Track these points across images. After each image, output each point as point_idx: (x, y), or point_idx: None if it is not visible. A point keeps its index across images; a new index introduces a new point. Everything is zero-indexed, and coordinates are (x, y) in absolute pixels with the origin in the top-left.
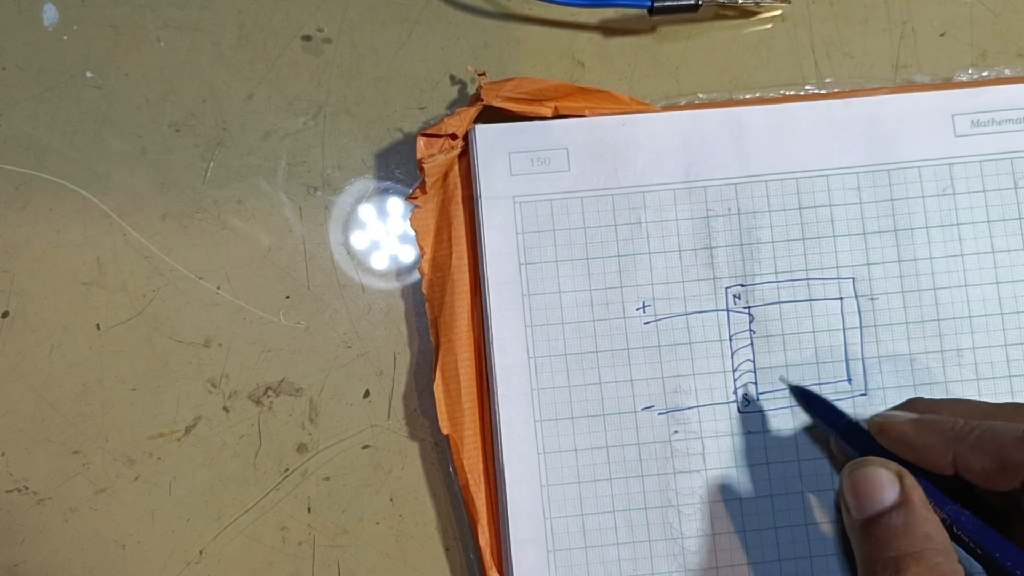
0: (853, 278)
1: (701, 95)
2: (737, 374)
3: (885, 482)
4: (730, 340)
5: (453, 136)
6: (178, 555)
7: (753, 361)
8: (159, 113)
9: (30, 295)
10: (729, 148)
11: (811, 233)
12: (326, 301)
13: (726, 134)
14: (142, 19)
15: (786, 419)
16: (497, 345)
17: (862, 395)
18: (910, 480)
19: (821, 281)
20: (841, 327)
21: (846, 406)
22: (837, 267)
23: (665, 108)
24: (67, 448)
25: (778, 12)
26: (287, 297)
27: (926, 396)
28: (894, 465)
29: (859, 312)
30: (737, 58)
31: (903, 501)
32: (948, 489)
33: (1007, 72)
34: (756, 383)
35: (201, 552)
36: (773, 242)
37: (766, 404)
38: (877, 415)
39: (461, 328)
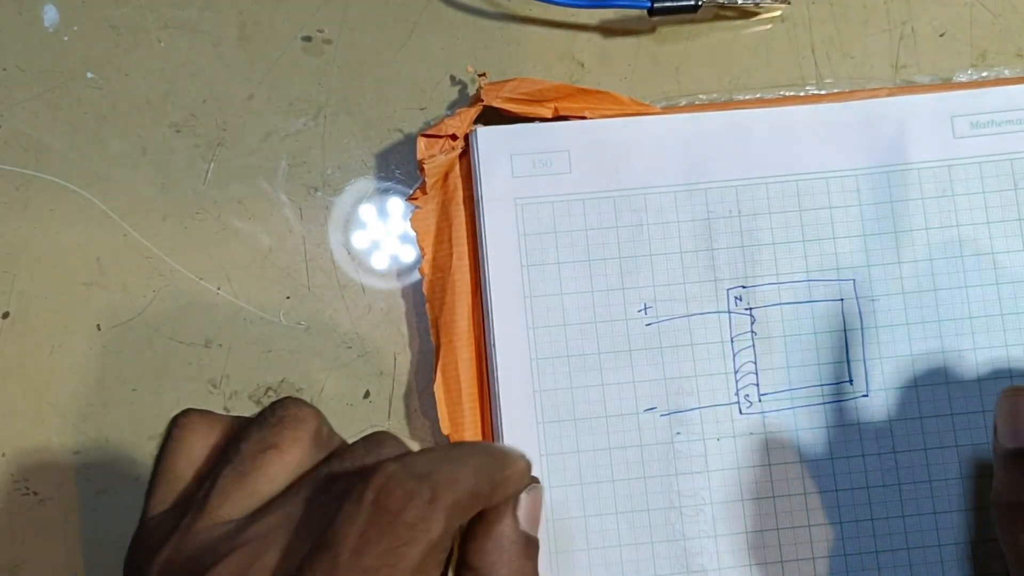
0: (854, 280)
1: (701, 96)
2: (739, 376)
3: None
4: (731, 342)
5: (453, 137)
6: None
7: (755, 363)
8: (159, 113)
9: (30, 296)
10: (730, 151)
11: (811, 235)
12: (326, 302)
13: (727, 137)
14: (142, 19)
15: (787, 420)
16: (499, 347)
17: (864, 396)
18: None
19: (822, 283)
20: (842, 328)
21: (848, 407)
22: (838, 269)
23: (665, 109)
24: (67, 448)
25: (778, 13)
26: (287, 297)
27: (928, 397)
28: None
29: (860, 314)
30: (737, 59)
31: None
32: None
33: (1007, 72)
34: (758, 384)
35: None
36: (774, 244)
37: (768, 406)
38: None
39: (462, 329)
